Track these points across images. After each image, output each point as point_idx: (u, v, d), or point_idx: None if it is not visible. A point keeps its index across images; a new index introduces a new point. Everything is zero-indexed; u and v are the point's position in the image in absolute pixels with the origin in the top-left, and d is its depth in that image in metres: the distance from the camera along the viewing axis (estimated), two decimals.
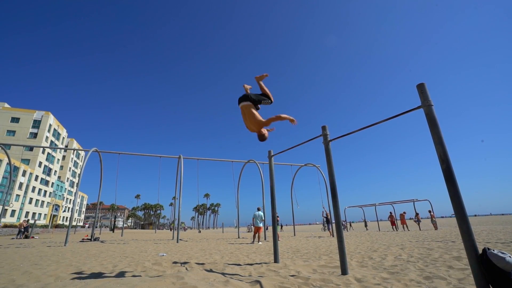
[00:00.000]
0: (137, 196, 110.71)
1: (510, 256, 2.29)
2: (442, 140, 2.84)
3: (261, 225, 12.10)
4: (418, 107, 3.09)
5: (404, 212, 21.24)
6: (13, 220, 47.15)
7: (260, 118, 3.68)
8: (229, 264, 4.99)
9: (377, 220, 25.98)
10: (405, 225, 20.50)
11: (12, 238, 19.38)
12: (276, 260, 5.02)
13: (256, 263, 5.02)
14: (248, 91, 4.13)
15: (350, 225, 34.52)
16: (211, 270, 4.22)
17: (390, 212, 22.28)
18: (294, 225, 19.34)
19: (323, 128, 4.32)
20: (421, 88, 3.08)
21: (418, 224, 20.54)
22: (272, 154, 5.38)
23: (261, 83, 4.07)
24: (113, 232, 37.26)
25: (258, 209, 12.55)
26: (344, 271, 3.72)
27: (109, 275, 4.04)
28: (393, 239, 10.39)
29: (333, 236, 14.57)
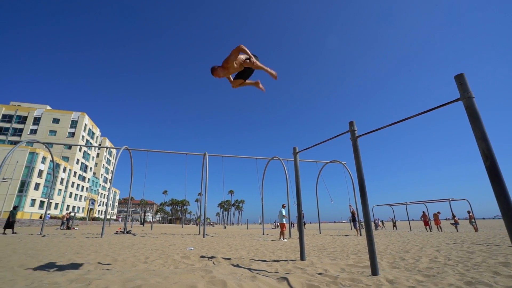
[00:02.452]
0: (165, 192, 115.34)
1: None
2: (486, 135, 2.60)
3: (284, 222, 12.09)
4: (457, 100, 2.85)
5: (439, 212, 19.98)
6: (56, 212, 51.40)
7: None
8: (255, 260, 5.03)
9: (408, 220, 24.72)
10: (439, 226, 19.31)
11: (57, 228, 21.16)
12: (302, 257, 4.97)
13: (282, 260, 5.01)
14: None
15: (383, 224, 33.10)
16: (237, 265, 4.28)
17: (423, 212, 21.08)
18: (319, 222, 19.04)
19: (351, 124, 4.16)
20: (460, 79, 2.84)
21: (456, 227, 19.16)
22: (297, 151, 5.30)
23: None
24: (143, 226, 39.25)
25: (283, 206, 12.53)
26: (374, 272, 3.58)
27: (142, 265, 4.25)
28: (427, 240, 9.83)
29: (360, 235, 14.13)
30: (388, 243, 8.92)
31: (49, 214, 43.55)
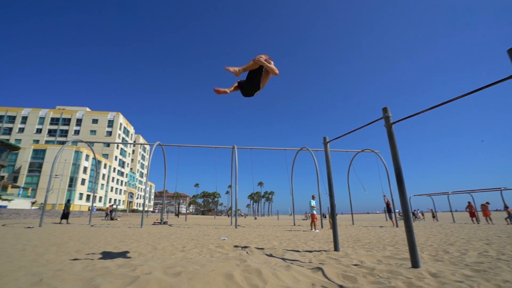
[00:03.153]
0: (196, 185, 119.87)
1: None
2: None
3: (315, 212, 11.99)
4: (510, 77, 2.56)
5: (488, 203, 18.31)
6: (100, 205, 56.03)
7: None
8: (288, 250, 5.05)
9: (451, 211, 22.98)
10: (488, 218, 17.74)
11: (102, 219, 23.07)
12: (336, 248, 4.89)
13: (315, 250, 4.97)
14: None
15: (423, 215, 31.19)
16: (271, 255, 4.33)
17: (469, 202, 19.45)
18: (352, 213, 18.56)
19: (384, 110, 3.94)
20: None
21: (510, 220, 17.40)
22: (327, 140, 5.15)
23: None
24: (178, 217, 41.32)
25: (313, 197, 12.40)
26: (415, 264, 3.40)
27: (180, 254, 4.48)
28: (474, 233, 9.12)
29: (396, 226, 13.54)
30: (429, 235, 8.43)
31: (95, 206, 47.67)
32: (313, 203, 12.21)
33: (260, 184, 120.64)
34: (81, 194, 51.60)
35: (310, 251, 4.88)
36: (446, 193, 22.97)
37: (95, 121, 64.99)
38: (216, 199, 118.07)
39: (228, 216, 61.21)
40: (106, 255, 4.24)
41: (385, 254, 4.52)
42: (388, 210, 15.00)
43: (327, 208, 13.27)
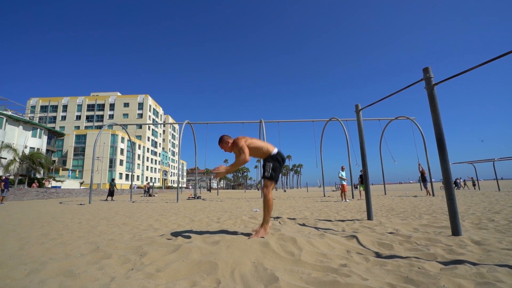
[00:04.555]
0: (226, 161, 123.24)
1: None
2: None
3: (344, 183, 11.88)
4: None
5: None
6: (138, 183, 60.49)
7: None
8: (320, 219, 5.11)
9: (496, 179, 21.27)
10: None
11: (141, 196, 24.99)
12: (369, 217, 4.84)
13: (348, 220, 4.97)
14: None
15: (465, 184, 28.87)
16: (303, 224, 4.42)
17: None
18: (384, 183, 18.09)
19: (426, 70, 3.59)
20: None
21: None
22: (360, 108, 4.89)
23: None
24: (209, 192, 43.41)
25: (342, 169, 12.21)
26: (455, 232, 3.26)
27: (216, 225, 4.74)
28: None
29: (432, 195, 12.99)
30: (470, 203, 8.00)
31: (136, 184, 51.61)
32: (342, 174, 12.05)
33: (288, 157, 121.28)
34: (120, 174, 55.90)
35: (343, 221, 4.89)
36: (491, 159, 21.23)
37: (126, 104, 68.18)
38: (245, 173, 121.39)
39: (258, 189, 62.90)
40: (149, 227, 4.62)
41: (421, 222, 4.39)
42: (423, 179, 14.35)
43: (357, 179, 12.99)
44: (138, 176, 62.68)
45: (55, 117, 67.10)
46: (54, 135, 39.73)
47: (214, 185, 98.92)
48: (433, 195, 12.89)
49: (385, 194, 16.67)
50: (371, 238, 3.16)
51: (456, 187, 25.64)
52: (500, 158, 20.55)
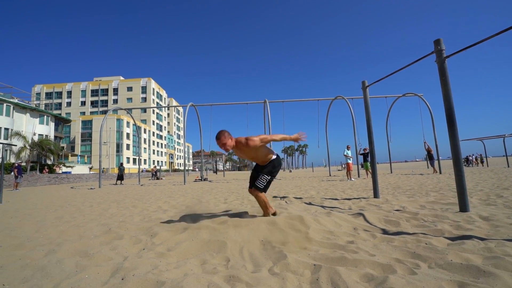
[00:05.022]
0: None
1: None
2: None
3: (350, 162, 11.89)
4: None
5: None
6: (146, 167, 61.61)
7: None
8: (326, 198, 5.16)
9: (506, 155, 20.91)
10: None
11: (149, 179, 25.48)
12: (376, 195, 4.85)
13: (354, 198, 5.01)
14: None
15: (477, 160, 27.33)
16: (310, 203, 4.46)
17: None
18: (390, 162, 18.04)
19: (437, 42, 3.42)
20: None
21: None
22: (366, 84, 4.75)
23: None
24: (216, 173, 44.02)
25: (348, 147, 12.17)
26: (463, 208, 3.25)
27: (223, 205, 4.82)
28: None
29: (439, 172, 12.94)
30: (478, 180, 7.95)
31: (145, 168, 52.58)
32: (348, 152, 12.03)
33: None
34: (128, 158, 56.84)
35: (349, 199, 4.93)
36: (501, 136, 20.81)
37: (129, 88, 67.86)
38: None
39: None
40: (158, 208, 4.73)
41: (428, 199, 4.39)
42: (430, 157, 14.24)
43: (362, 157, 12.92)
44: (145, 160, 63.70)
45: (60, 104, 67.44)
46: (61, 122, 40.15)
47: (220, 167, 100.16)
48: (440, 173, 12.84)
49: (391, 172, 16.66)
50: (378, 215, 3.18)
51: (467, 165, 25.35)
52: (510, 134, 20.13)
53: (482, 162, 25.24)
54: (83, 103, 67.53)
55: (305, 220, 2.70)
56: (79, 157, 47.56)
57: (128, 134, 57.58)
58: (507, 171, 12.28)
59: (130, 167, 55.74)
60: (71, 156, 45.66)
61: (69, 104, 67.44)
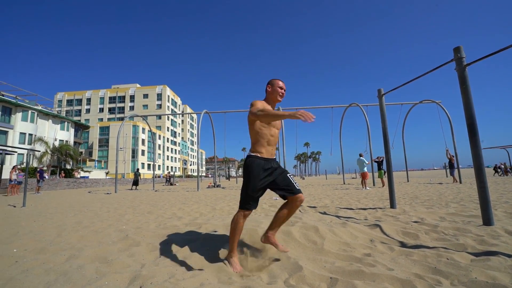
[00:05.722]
0: (243, 149, 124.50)
1: None
2: None
3: (365, 170, 11.61)
4: None
5: None
6: (160, 172, 62.69)
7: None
8: (341, 208, 5.06)
9: None
10: None
11: (163, 185, 25.90)
12: (392, 205, 4.72)
13: (370, 208, 4.89)
14: None
15: (507, 169, 24.46)
16: (324, 213, 4.40)
17: None
18: (407, 170, 17.52)
19: (456, 50, 3.34)
20: None
21: None
22: (382, 92, 4.69)
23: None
24: (228, 180, 44.18)
25: (360, 155, 11.93)
26: (487, 221, 3.10)
27: None
28: None
29: (460, 182, 12.43)
30: (503, 191, 7.57)
31: (161, 174, 53.55)
32: (363, 159, 11.79)
33: (307, 144, 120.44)
34: (142, 164, 58.12)
35: (365, 209, 4.82)
36: None
37: (145, 96, 69.87)
38: None
39: None
40: (173, 215, 4.79)
41: (448, 211, 4.22)
42: (450, 165, 13.70)
43: (377, 165, 12.60)
44: (159, 166, 64.90)
45: (80, 110, 70.24)
46: (80, 128, 41.77)
47: (233, 173, 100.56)
48: (460, 182, 12.33)
49: (408, 181, 16.16)
50: (395, 227, 3.10)
51: (498, 174, 23.95)
52: None
53: (506, 171, 23.97)
54: (101, 110, 70.01)
55: (320, 231, 2.67)
56: (96, 162, 49.09)
57: (143, 140, 59.04)
58: None
59: (145, 173, 56.91)
60: (89, 161, 47.20)
61: (88, 110, 70.13)
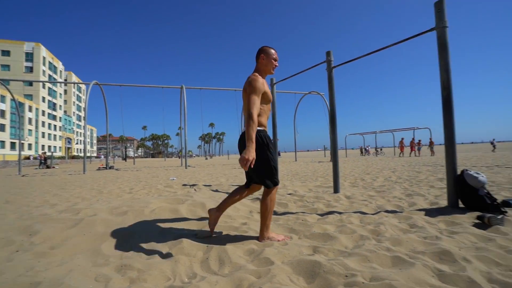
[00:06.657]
0: (144, 128, 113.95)
1: (483, 176, 2.51)
2: (448, 67, 2.76)
3: None
4: (432, 29, 2.87)
5: (403, 138, 21.83)
6: (31, 153, 50.17)
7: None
8: (233, 185, 5.53)
9: (376, 148, 27.02)
10: (415, 151, 21.15)
11: (35, 168, 20.98)
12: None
13: None
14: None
15: (378, 151, 29.61)
16: (217, 191, 4.72)
17: (402, 138, 21.65)
18: (295, 151, 20.40)
19: (328, 53, 4.12)
20: (438, 6, 2.80)
21: (418, 150, 21.15)
22: (274, 82, 5.31)
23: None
24: (125, 161, 39.90)
25: None
26: (336, 190, 4.13)
27: (127, 195, 4.56)
28: (387, 164, 11.08)
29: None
30: (354, 167, 9.96)
31: (37, 154, 42.55)
32: None
33: (211, 125, 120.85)
34: (2, 142, 44.98)
35: None
36: (374, 132, 26.49)
37: (6, 52, 52.77)
38: (166, 141, 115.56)
39: (179, 157, 61.36)
40: (45, 203, 4.09)
41: (316, 184, 5.30)
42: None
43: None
44: (30, 145, 51.69)
45: None
46: None
47: (131, 153, 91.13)
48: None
49: (296, 160, 18.89)
50: None
51: (365, 153, 30.50)
52: (380, 131, 25.83)
53: (368, 152, 31.15)
54: None
55: (207, 207, 2.91)
56: None
57: (3, 111, 45.27)
58: (374, 160, 15.76)
59: (6, 153, 44.30)
60: None
61: None
